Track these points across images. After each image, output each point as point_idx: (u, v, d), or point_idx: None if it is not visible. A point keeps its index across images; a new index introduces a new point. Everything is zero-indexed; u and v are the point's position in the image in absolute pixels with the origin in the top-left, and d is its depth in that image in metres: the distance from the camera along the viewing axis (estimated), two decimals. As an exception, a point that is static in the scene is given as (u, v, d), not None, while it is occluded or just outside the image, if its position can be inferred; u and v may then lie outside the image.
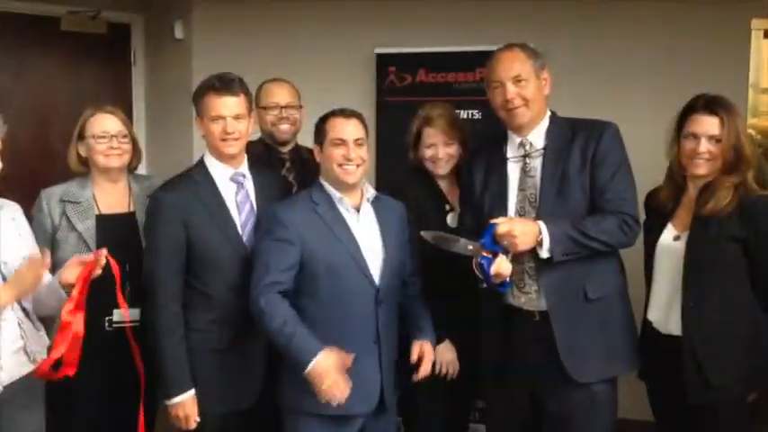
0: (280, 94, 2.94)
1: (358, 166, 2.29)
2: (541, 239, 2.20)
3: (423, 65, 3.81)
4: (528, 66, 2.30)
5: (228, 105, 2.30)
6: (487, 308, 2.41)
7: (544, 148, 2.33)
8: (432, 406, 2.62)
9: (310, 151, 2.48)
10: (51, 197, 2.53)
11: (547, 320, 2.28)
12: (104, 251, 2.18)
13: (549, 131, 2.36)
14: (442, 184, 2.70)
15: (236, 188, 2.39)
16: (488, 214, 2.32)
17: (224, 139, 2.31)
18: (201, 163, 2.42)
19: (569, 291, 2.26)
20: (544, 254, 2.21)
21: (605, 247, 2.25)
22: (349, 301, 2.25)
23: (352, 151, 2.28)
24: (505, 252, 2.21)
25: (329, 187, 2.33)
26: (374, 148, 3.85)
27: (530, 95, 2.30)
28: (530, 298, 2.31)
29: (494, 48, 2.42)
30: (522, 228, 2.18)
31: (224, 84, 2.29)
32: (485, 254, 2.18)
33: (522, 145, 2.36)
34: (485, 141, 2.55)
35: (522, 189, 2.34)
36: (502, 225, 2.18)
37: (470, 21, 3.81)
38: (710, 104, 2.35)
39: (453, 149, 2.66)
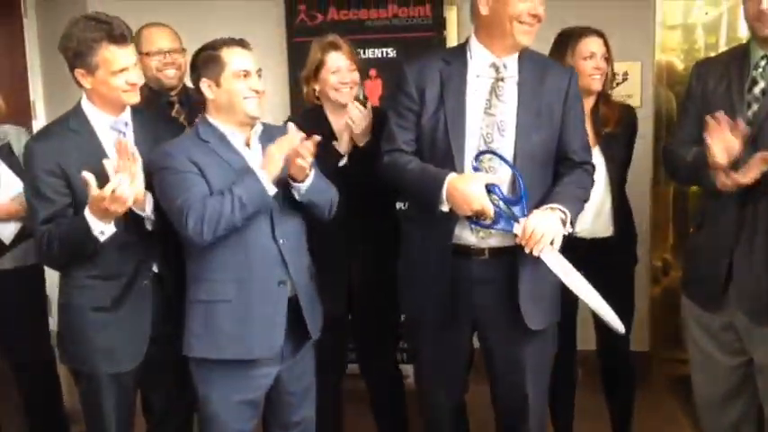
0: (162, 40, 2.85)
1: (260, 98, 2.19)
2: (564, 220, 2.11)
3: (334, 2, 3.68)
4: None
5: (129, 54, 2.16)
6: (422, 246, 2.28)
7: (521, 76, 2.21)
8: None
9: (199, 91, 2.29)
10: None
11: (496, 258, 2.20)
12: None
13: (521, 60, 2.23)
14: (336, 125, 2.63)
15: (116, 137, 2.23)
16: (443, 137, 2.18)
17: (127, 91, 2.18)
18: (79, 111, 2.24)
19: None
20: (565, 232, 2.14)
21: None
22: (250, 240, 2.15)
23: (258, 83, 2.17)
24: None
25: (218, 123, 2.20)
26: (287, 89, 3.76)
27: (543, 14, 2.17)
28: (489, 233, 2.18)
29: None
30: (550, 228, 2.07)
31: (121, 33, 2.13)
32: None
33: (494, 66, 2.21)
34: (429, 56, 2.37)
35: (490, 113, 2.18)
36: (528, 228, 2.05)
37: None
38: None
39: (356, 77, 2.63)
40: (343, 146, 2.58)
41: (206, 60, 2.19)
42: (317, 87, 2.65)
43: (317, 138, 2.11)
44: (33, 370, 2.91)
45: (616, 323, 2.10)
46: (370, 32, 3.49)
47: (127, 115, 2.27)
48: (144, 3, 3.36)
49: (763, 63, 2.16)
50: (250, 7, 3.81)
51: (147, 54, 2.81)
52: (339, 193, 2.33)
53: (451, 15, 3.70)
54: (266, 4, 3.80)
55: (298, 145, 2.08)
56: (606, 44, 2.70)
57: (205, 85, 2.19)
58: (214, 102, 2.20)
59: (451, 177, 2.10)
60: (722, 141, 2.03)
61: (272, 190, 2.11)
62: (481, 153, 2.15)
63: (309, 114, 2.70)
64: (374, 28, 3.64)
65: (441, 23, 3.64)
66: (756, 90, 2.15)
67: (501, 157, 2.13)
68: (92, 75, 2.15)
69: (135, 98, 2.22)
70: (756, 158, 2.01)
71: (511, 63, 2.22)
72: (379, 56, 3.53)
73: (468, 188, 2.07)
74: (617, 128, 2.70)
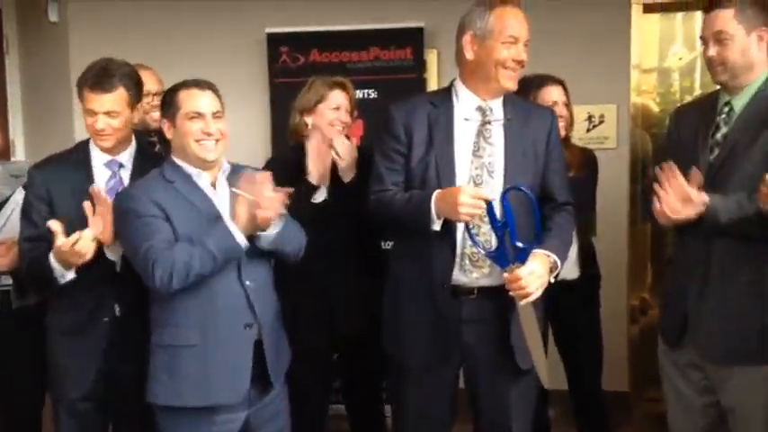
0: (149, 82, 2.87)
1: (217, 141, 2.15)
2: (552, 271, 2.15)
3: (315, 44, 3.74)
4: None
5: (101, 102, 2.22)
6: (413, 287, 2.24)
7: (507, 119, 2.24)
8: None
9: None
10: None
11: (485, 298, 2.20)
12: None
13: (505, 103, 2.27)
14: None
15: (109, 175, 2.31)
16: (434, 180, 2.18)
17: (95, 134, 2.28)
18: (84, 145, 2.36)
19: None
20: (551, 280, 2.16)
21: None
22: (215, 284, 2.11)
23: (210, 125, 2.15)
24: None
25: (184, 164, 2.19)
26: (269, 131, 3.80)
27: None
28: (482, 273, 2.19)
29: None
30: (539, 280, 2.08)
31: (98, 80, 2.21)
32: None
33: (480, 109, 2.24)
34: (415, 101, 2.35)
35: (478, 156, 2.20)
36: (522, 277, 2.05)
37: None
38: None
39: (350, 121, 2.69)
40: (313, 178, 2.51)
41: (166, 101, 2.22)
42: (309, 120, 2.65)
43: (289, 189, 2.11)
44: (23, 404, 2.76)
45: (544, 380, 2.20)
46: (351, 74, 3.50)
47: (124, 157, 2.34)
48: (126, 43, 3.38)
49: (726, 109, 2.21)
50: (233, 48, 3.85)
51: None
52: (321, 229, 2.34)
53: (432, 58, 3.76)
54: (249, 45, 3.84)
55: (266, 196, 2.05)
56: (566, 91, 2.80)
57: (165, 125, 2.21)
58: (173, 142, 2.21)
59: (437, 191, 2.13)
60: (676, 190, 2.05)
61: (243, 242, 2.08)
62: (509, 190, 2.12)
63: (292, 151, 2.67)
64: (355, 70, 3.68)
65: (421, 66, 3.70)
66: (719, 135, 2.20)
67: (530, 197, 2.09)
68: (82, 105, 2.28)
69: (104, 143, 2.28)
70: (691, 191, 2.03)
71: (496, 106, 2.26)
72: (361, 97, 3.57)
73: (454, 190, 2.08)
74: (580, 171, 2.80)
